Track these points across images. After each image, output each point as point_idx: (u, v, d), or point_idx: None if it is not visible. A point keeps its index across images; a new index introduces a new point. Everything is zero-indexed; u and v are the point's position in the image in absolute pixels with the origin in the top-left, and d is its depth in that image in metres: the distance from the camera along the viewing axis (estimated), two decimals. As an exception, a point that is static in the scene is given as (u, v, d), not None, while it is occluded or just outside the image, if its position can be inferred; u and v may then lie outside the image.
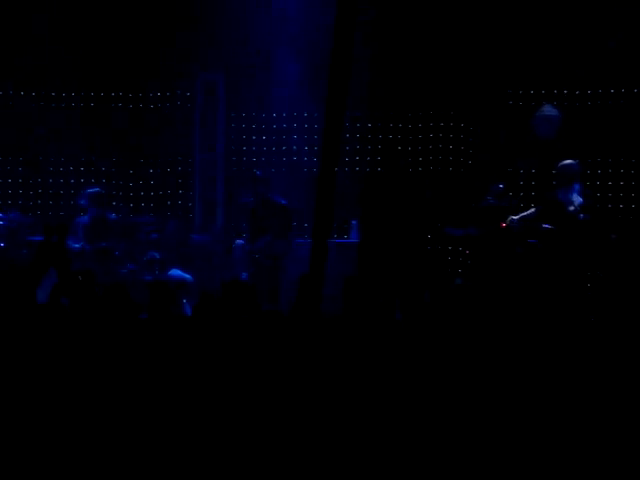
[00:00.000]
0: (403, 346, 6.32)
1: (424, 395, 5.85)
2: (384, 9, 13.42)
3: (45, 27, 13.83)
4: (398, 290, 10.27)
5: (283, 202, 12.41)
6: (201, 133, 14.56)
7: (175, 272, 12.81)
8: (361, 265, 10.61)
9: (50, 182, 13.96)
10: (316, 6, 13.36)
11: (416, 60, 13.52)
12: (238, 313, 6.76)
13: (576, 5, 13.10)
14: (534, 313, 10.83)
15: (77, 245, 12.34)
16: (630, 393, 5.90)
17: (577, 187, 11.66)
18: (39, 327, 6.47)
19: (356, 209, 11.36)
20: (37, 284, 7.28)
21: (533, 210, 11.78)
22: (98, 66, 14.04)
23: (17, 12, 13.84)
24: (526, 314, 10.80)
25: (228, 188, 14.28)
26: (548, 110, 13.16)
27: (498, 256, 11.74)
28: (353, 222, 12.83)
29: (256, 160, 13.94)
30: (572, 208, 11.39)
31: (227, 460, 5.61)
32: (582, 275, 11.52)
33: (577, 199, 11.52)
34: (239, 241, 12.66)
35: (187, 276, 12.82)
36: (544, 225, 11.58)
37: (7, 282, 7.28)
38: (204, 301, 6.88)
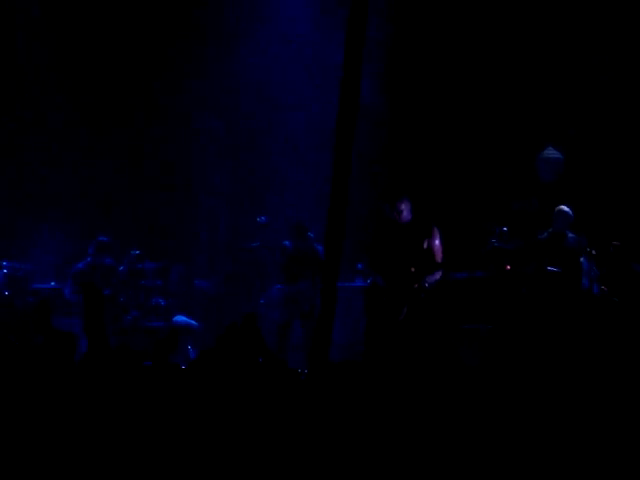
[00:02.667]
0: (415, 389, 6.31)
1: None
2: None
3: (45, 73, 13.96)
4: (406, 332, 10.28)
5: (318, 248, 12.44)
6: (203, 178, 14.62)
7: (180, 318, 12.79)
8: (368, 309, 10.58)
9: (55, 231, 13.94)
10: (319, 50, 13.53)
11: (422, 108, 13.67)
12: (239, 361, 6.68)
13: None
14: (541, 352, 10.82)
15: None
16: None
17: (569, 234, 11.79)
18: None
19: (363, 254, 11.32)
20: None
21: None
22: (97, 113, 14.09)
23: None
24: (533, 354, 10.79)
25: (232, 234, 14.30)
26: (551, 153, 13.22)
27: (504, 298, 11.75)
28: (359, 265, 12.87)
29: (260, 205, 13.94)
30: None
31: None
32: (587, 317, 11.52)
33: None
34: (278, 286, 12.68)
35: (192, 322, 12.81)
36: (549, 267, 11.60)
37: None
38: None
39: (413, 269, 10.05)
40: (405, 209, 10.18)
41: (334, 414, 5.93)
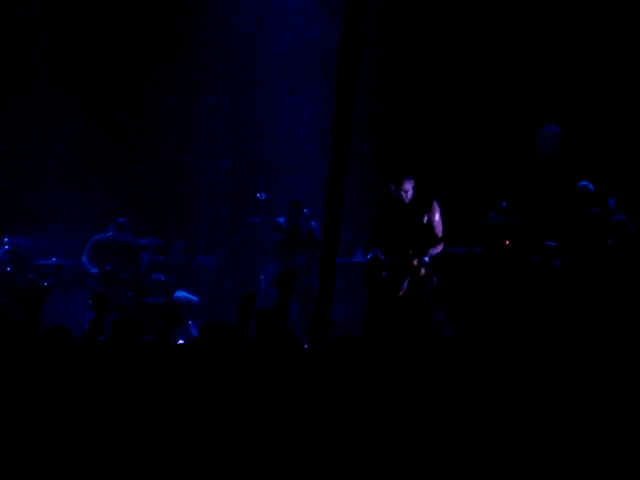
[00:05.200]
0: (409, 361, 6.34)
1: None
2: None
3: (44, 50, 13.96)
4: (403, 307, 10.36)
5: (314, 225, 12.58)
6: (203, 154, 14.62)
7: (181, 294, 12.84)
8: (368, 284, 10.65)
9: (53, 205, 13.94)
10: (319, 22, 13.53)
11: (419, 71, 13.69)
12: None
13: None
14: (538, 330, 10.85)
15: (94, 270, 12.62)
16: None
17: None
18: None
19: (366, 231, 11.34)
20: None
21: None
22: (99, 92, 14.09)
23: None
24: (530, 331, 10.83)
25: (233, 209, 14.32)
26: (550, 127, 13.21)
27: (502, 273, 11.77)
28: (358, 249, 12.97)
29: (260, 180, 13.96)
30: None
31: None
32: (587, 293, 11.54)
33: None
34: (274, 263, 12.75)
35: (193, 298, 12.85)
36: (548, 242, 11.63)
37: None
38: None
39: (411, 252, 10.14)
40: (410, 188, 10.30)
41: (333, 389, 5.97)
